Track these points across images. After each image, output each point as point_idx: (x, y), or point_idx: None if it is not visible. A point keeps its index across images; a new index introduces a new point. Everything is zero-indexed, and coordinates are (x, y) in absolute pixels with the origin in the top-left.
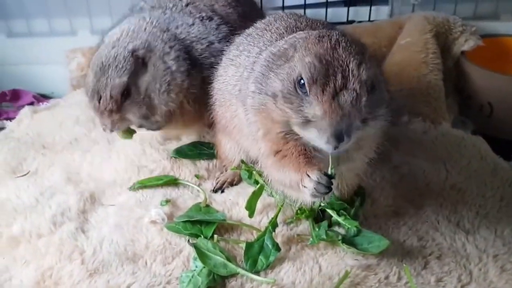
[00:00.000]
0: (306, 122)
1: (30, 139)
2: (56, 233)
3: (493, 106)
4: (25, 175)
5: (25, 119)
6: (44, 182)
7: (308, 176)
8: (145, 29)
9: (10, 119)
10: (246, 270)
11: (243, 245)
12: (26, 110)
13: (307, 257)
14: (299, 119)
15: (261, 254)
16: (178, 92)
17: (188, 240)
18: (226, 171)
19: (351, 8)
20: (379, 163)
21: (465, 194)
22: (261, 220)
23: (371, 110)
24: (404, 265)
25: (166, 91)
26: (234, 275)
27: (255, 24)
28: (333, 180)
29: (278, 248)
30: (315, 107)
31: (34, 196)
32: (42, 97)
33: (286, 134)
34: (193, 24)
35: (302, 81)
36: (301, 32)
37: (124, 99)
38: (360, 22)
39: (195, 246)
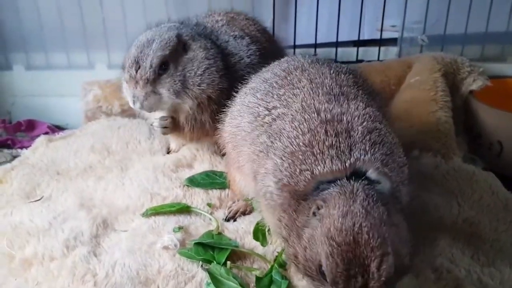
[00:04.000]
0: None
1: (44, 165)
2: (69, 256)
3: (503, 144)
4: (38, 200)
5: (41, 147)
6: (57, 207)
7: None
8: (191, 28)
9: (24, 148)
10: None
11: (256, 273)
12: (42, 138)
13: None
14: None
15: (272, 286)
16: (210, 82)
17: (202, 265)
18: (238, 201)
19: (361, 48)
20: None
21: (478, 228)
22: (275, 249)
23: None
24: None
25: (201, 74)
26: None
27: (272, 68)
28: None
29: (287, 280)
30: None
31: (48, 220)
32: (57, 128)
33: None
34: (228, 41)
35: (323, 268)
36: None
37: (162, 72)
38: (369, 61)
39: (208, 272)
